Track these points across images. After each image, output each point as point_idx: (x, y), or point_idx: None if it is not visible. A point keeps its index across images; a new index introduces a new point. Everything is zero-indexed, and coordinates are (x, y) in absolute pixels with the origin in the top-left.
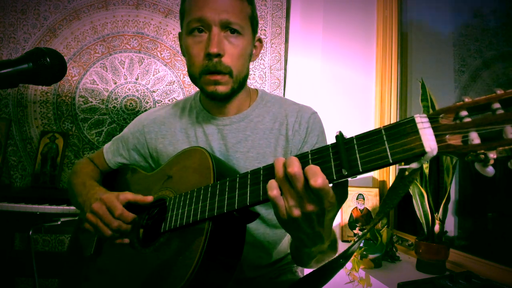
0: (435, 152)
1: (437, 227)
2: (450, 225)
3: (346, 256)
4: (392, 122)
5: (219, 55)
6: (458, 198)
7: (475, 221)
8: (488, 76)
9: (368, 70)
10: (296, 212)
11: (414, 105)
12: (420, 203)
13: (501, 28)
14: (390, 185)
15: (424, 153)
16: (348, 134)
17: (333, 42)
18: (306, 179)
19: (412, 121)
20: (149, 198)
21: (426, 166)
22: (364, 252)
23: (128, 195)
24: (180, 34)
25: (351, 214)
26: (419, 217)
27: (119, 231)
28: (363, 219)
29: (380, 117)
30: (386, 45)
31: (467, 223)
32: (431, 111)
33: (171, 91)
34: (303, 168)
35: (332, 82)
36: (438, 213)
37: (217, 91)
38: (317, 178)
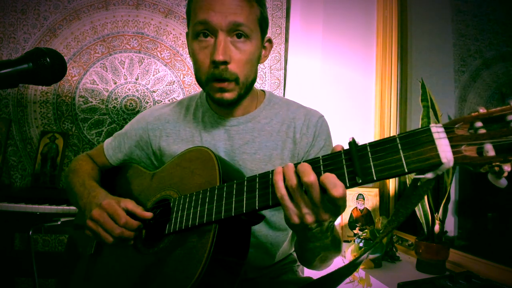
0: (451, 164)
1: (437, 227)
2: (450, 225)
3: (355, 264)
4: (392, 122)
5: (225, 63)
6: (458, 198)
7: (475, 221)
8: (488, 76)
9: (368, 70)
10: (310, 219)
11: (414, 105)
12: (420, 203)
13: (501, 28)
14: (395, 191)
15: (440, 163)
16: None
17: (333, 42)
18: (323, 188)
19: (428, 130)
20: (148, 214)
21: None
22: None
23: (128, 204)
24: (187, 34)
25: (351, 214)
26: (419, 217)
27: (122, 238)
28: (363, 219)
29: (380, 117)
30: (386, 45)
31: (467, 223)
32: (431, 111)
33: (171, 91)
34: (317, 175)
35: (332, 82)
36: (438, 213)
37: (224, 98)
38: (338, 188)
